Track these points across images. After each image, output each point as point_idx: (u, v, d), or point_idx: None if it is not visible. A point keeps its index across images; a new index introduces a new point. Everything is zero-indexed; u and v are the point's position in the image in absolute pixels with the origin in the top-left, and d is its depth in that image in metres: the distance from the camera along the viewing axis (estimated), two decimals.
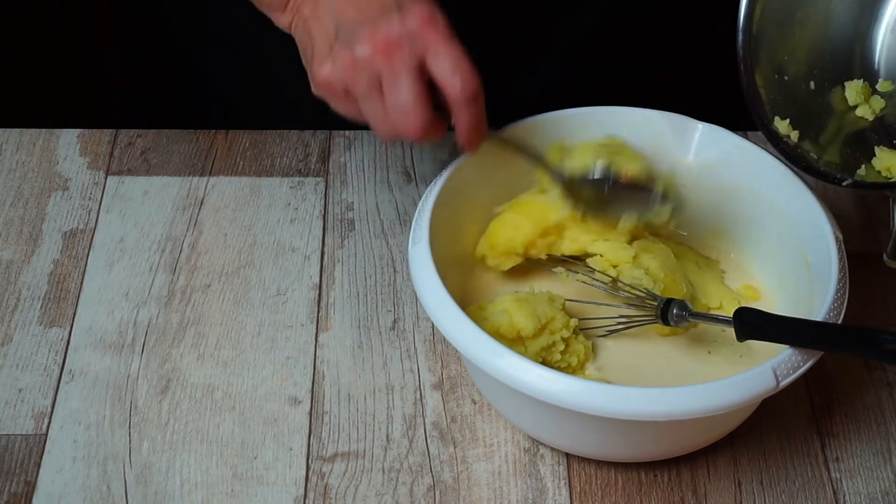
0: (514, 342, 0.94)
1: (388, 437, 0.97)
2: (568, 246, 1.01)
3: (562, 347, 0.96)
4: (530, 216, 1.00)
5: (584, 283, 0.98)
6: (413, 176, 1.15)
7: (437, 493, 0.94)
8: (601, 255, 0.99)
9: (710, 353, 0.98)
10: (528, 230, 1.00)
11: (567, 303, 0.98)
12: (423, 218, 0.96)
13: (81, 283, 1.06)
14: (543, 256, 1.01)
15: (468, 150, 0.95)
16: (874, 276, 1.08)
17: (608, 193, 0.97)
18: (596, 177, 0.97)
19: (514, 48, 1.21)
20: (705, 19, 1.69)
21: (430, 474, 0.95)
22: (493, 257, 1.01)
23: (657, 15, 1.31)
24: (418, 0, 0.89)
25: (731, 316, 0.91)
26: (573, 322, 0.96)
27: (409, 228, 0.97)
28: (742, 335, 0.91)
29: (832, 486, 0.95)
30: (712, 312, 1.00)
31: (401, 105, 0.90)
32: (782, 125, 0.97)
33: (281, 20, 0.97)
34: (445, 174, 0.99)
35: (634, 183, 0.97)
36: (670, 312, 0.94)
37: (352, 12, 0.91)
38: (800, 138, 0.97)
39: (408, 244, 0.96)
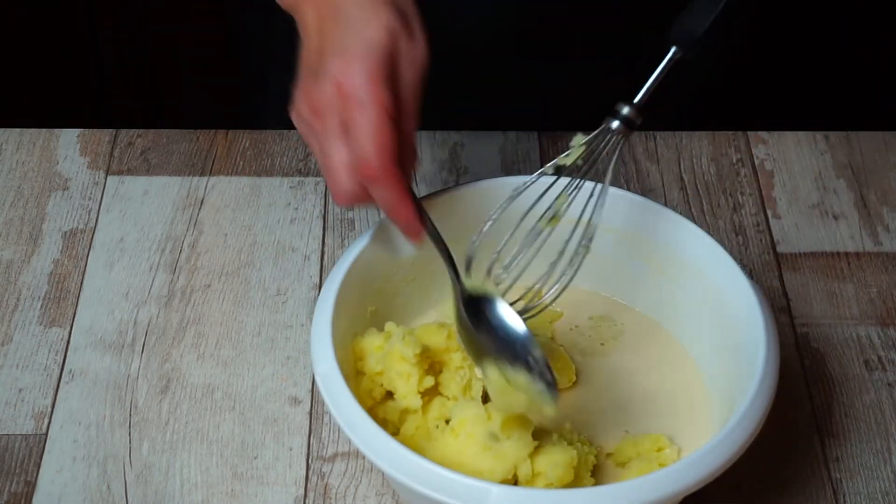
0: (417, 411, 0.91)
1: None
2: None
3: (461, 381, 0.93)
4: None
5: None
6: (413, 176, 1.14)
7: None
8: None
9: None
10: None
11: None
12: (324, 343, 0.89)
13: (81, 283, 1.06)
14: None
15: (407, 235, 0.90)
16: (872, 275, 1.08)
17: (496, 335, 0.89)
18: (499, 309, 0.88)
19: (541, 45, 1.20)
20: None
21: None
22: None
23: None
24: (344, 58, 0.85)
25: None
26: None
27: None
28: None
29: (832, 486, 0.95)
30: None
31: (328, 168, 0.87)
32: None
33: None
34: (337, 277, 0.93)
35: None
36: None
37: (306, 55, 0.88)
38: None
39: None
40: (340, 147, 0.86)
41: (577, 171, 0.92)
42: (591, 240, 0.90)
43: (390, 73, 0.86)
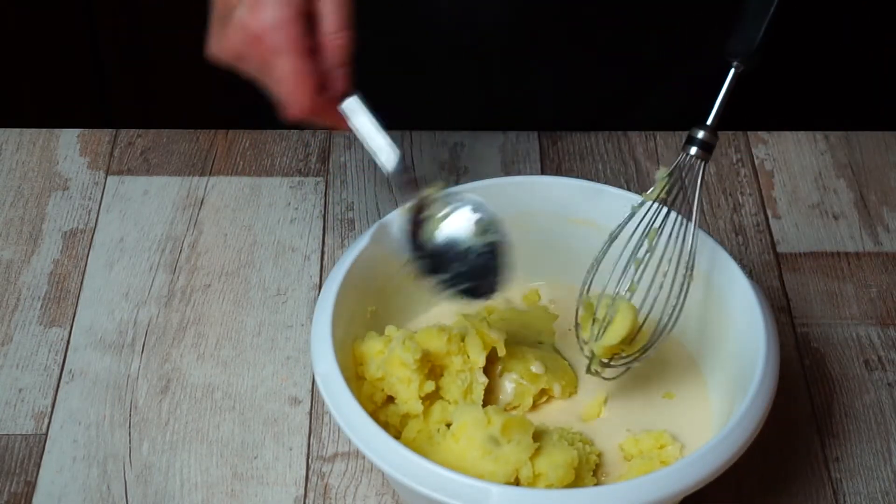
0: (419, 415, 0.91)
1: None
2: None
3: (461, 385, 0.92)
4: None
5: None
6: (413, 176, 1.15)
7: None
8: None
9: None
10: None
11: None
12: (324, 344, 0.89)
13: (81, 283, 1.06)
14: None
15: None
16: (872, 275, 1.08)
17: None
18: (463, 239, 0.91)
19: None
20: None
21: None
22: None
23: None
24: (251, 6, 0.87)
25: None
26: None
27: None
28: None
29: (832, 486, 0.95)
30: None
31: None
32: None
33: None
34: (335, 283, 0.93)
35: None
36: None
37: (215, 3, 0.91)
38: None
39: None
40: (270, 83, 0.89)
41: (661, 202, 0.92)
42: (692, 268, 0.90)
43: (300, 7, 0.87)
